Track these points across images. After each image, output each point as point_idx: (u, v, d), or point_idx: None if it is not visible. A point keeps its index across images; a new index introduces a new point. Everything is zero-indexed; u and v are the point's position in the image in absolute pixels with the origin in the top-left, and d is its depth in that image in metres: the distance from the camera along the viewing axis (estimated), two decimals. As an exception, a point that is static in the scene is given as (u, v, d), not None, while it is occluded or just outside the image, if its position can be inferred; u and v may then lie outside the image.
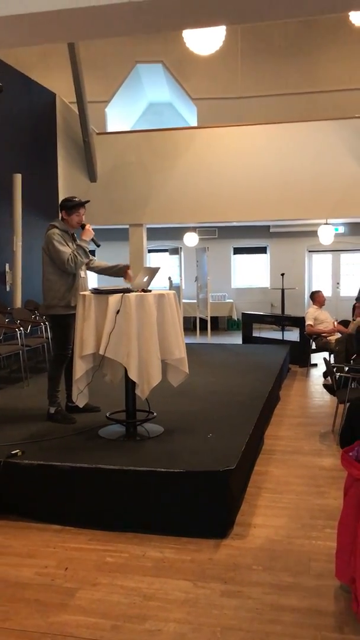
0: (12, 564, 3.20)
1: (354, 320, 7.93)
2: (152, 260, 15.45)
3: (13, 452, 3.90)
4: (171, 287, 11.85)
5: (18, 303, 9.14)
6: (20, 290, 9.21)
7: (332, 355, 8.15)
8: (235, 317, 14.55)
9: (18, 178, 9.24)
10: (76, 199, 4.88)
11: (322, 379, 8.07)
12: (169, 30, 3.76)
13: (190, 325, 13.39)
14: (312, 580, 3.00)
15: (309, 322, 8.53)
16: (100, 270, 5.07)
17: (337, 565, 2.88)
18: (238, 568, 3.13)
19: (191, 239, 13.16)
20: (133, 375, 4.05)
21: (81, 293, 4.38)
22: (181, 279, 11.32)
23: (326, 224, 12.19)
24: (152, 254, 15.50)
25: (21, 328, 7.08)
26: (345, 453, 2.82)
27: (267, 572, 3.08)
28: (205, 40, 7.92)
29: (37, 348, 7.64)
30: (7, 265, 9.27)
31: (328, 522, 3.59)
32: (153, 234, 13.78)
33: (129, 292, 4.13)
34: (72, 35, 4.25)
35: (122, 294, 4.07)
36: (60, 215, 4.85)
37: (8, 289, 9.29)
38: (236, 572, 3.09)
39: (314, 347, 8.71)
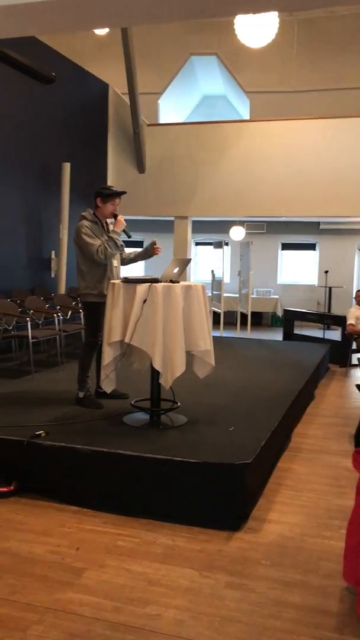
0: (27, 540, 3.30)
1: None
2: (198, 253, 15.46)
3: (37, 432, 4.01)
4: (214, 280, 11.83)
5: (62, 289, 9.34)
6: (65, 277, 9.41)
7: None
8: (279, 314, 14.41)
9: (67, 167, 9.42)
10: (113, 188, 4.93)
11: (360, 380, 7.92)
12: (219, 16, 3.70)
13: (232, 319, 13.36)
14: (319, 579, 2.97)
15: (350, 321, 8.37)
16: (133, 259, 5.12)
17: (345, 566, 2.84)
18: (246, 561, 3.13)
19: (238, 233, 13.09)
20: (157, 364, 4.09)
21: (111, 281, 4.43)
22: (223, 273, 11.28)
23: (377, 222, 11.90)
24: (199, 247, 15.51)
25: (60, 314, 7.22)
26: (357, 453, 2.77)
27: (275, 567, 3.07)
28: (257, 33, 7.85)
29: (75, 334, 7.78)
30: (52, 253, 9.48)
31: (344, 523, 3.50)
32: (200, 226, 13.79)
33: (157, 282, 4.16)
34: (123, 19, 4.20)
35: (149, 283, 4.11)
36: (94, 202, 4.89)
37: (53, 275, 9.50)
38: (244, 565, 3.09)
39: (355, 347, 8.54)
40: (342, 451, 4.99)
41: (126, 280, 4.29)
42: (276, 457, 4.62)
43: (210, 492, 3.57)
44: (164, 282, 4.21)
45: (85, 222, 4.75)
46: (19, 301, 7.40)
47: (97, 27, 4.21)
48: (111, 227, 4.88)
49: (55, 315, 7.17)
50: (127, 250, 5.15)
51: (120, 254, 4.97)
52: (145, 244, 14.82)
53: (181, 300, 4.14)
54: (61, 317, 7.24)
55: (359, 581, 2.66)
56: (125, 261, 5.13)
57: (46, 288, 9.14)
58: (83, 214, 4.85)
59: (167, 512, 3.60)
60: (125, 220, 4.88)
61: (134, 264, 5.36)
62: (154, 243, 4.94)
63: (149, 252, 4.99)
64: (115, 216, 4.86)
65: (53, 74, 8.77)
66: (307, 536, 3.43)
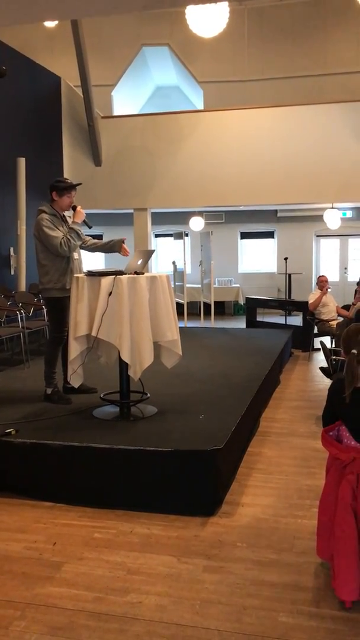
0: (2, 539, 3.28)
1: (354, 304, 7.92)
2: (158, 244, 15.46)
3: (7, 430, 3.98)
4: (175, 271, 11.86)
5: (22, 286, 9.21)
6: (25, 274, 9.28)
7: (333, 340, 8.16)
8: (241, 302, 14.54)
9: (22, 162, 9.27)
10: (68, 181, 4.89)
11: (323, 363, 8.08)
12: (171, 7, 3.68)
13: (195, 309, 13.42)
14: (295, 557, 3.05)
15: (311, 301, 8.52)
16: (95, 248, 5.05)
17: (318, 543, 2.92)
18: (223, 545, 3.18)
19: (197, 224, 13.14)
20: (125, 357, 4.10)
21: (75, 275, 4.41)
22: (185, 264, 11.32)
23: (332, 208, 12.12)
24: (159, 238, 15.51)
25: (22, 311, 7.14)
26: (326, 433, 2.85)
27: (250, 549, 3.14)
28: (208, 22, 7.86)
29: (38, 331, 7.71)
30: (11, 249, 9.34)
31: (315, 502, 3.60)
32: (159, 218, 13.78)
33: (121, 275, 4.17)
34: (73, 11, 4.15)
35: (114, 276, 4.11)
36: (50, 196, 4.84)
37: (12, 272, 9.36)
38: (220, 549, 3.15)
39: (316, 331, 8.71)
40: (309, 433, 5.11)
41: (90, 274, 4.28)
42: (246, 441, 4.70)
43: (184, 479, 3.62)
44: (129, 274, 4.22)
45: (45, 215, 4.70)
46: (-21, 300, 7.27)
47: (47, 20, 4.15)
48: (70, 219, 4.84)
49: (17, 312, 7.09)
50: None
51: (83, 242, 4.92)
52: (104, 238, 14.71)
53: (146, 291, 4.16)
54: (24, 314, 7.15)
55: (333, 556, 2.74)
56: (86, 247, 5.03)
57: (6, 285, 9.00)
58: (41, 207, 4.78)
59: (142, 501, 3.63)
60: (83, 211, 4.84)
61: (94, 254, 5.30)
62: (122, 241, 4.91)
63: (114, 248, 4.95)
64: (74, 207, 4.82)
65: (3, 67, 8.60)
66: (280, 517, 3.51)
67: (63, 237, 4.62)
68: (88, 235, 5.00)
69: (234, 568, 2.95)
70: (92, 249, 5.05)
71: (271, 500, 3.75)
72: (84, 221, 4.81)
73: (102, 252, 5.13)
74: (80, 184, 5.00)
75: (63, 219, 4.84)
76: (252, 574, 2.89)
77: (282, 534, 3.30)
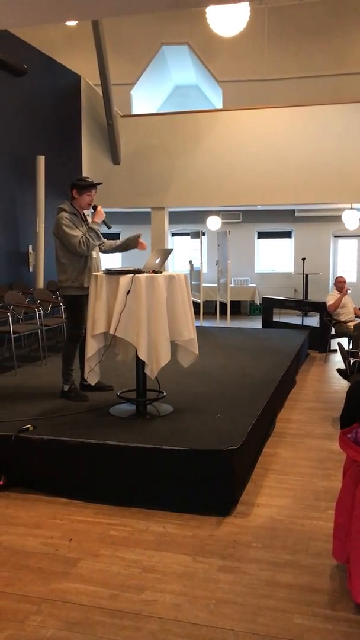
0: (19, 534, 3.31)
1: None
2: (175, 244, 15.47)
3: (25, 427, 4.01)
4: (192, 270, 11.86)
5: (40, 284, 9.27)
6: (43, 271, 9.34)
7: (351, 341, 8.11)
8: (257, 302, 14.51)
9: (41, 160, 9.33)
10: (89, 179, 4.91)
11: (340, 365, 8.04)
12: (192, 7, 3.67)
13: (211, 309, 13.42)
14: (310, 559, 3.04)
15: (329, 303, 8.47)
16: (113, 249, 5.08)
17: (334, 545, 2.91)
18: (238, 545, 3.19)
19: (214, 223, 13.13)
20: (142, 355, 4.11)
21: (94, 274, 4.43)
22: (201, 263, 11.32)
23: (351, 208, 12.04)
24: (176, 237, 15.52)
25: (40, 308, 7.19)
26: (344, 435, 2.84)
27: (265, 549, 3.14)
28: (228, 21, 7.84)
29: (56, 328, 7.76)
30: (30, 247, 9.40)
31: (331, 504, 3.60)
32: (177, 217, 13.80)
33: (140, 273, 4.18)
34: (98, 11, 4.17)
35: (132, 274, 4.12)
36: (70, 194, 4.87)
37: (31, 269, 9.43)
38: (235, 548, 3.15)
39: (333, 332, 8.67)
40: (326, 434, 5.09)
41: (109, 272, 4.30)
42: (262, 442, 4.69)
43: (199, 478, 3.62)
44: (147, 272, 4.23)
45: (65, 214, 4.73)
46: (-2, 296, 7.33)
47: (71, 20, 4.18)
48: (89, 219, 4.87)
49: (36, 309, 7.14)
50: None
51: (101, 244, 4.96)
52: (121, 237, 14.75)
53: (164, 290, 4.17)
54: (42, 312, 7.20)
55: (349, 558, 2.73)
56: (104, 249, 5.07)
57: (25, 282, 9.07)
58: (61, 205, 4.81)
59: (158, 500, 3.64)
60: (103, 211, 4.87)
61: (112, 254, 5.34)
62: (138, 236, 4.92)
63: (130, 245, 4.97)
64: (94, 207, 4.85)
65: (25, 66, 8.66)
66: (295, 518, 3.50)
67: (82, 237, 4.64)
68: (104, 237, 5.02)
69: (249, 568, 2.95)
70: (111, 250, 5.08)
71: (287, 501, 3.74)
72: (104, 221, 4.84)
73: (119, 252, 5.15)
74: (100, 183, 5.03)
75: (83, 218, 4.86)
76: (267, 575, 2.89)
77: (298, 535, 3.29)
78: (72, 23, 11.62)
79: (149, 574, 2.90)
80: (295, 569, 2.94)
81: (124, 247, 5.04)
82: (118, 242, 5.11)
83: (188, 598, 2.69)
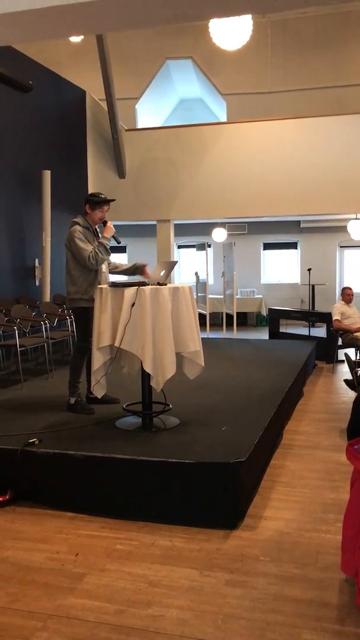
0: (25, 549, 3.29)
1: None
2: (181, 256, 15.50)
3: (30, 440, 4.00)
4: (198, 282, 11.87)
5: (47, 297, 9.31)
6: (49, 285, 9.38)
7: (358, 352, 8.07)
8: (264, 313, 14.49)
9: (47, 174, 9.40)
10: (102, 196, 4.96)
11: (347, 375, 7.99)
12: (191, 20, 3.69)
13: (217, 320, 13.41)
14: (318, 572, 3.00)
15: (335, 317, 8.45)
16: (120, 272, 5.17)
17: (343, 558, 2.88)
18: (245, 559, 3.15)
19: (220, 235, 13.15)
20: (148, 367, 4.10)
21: (99, 286, 4.45)
22: (207, 275, 11.33)
23: (356, 218, 12.03)
24: (181, 249, 15.55)
25: (47, 321, 7.21)
26: (350, 446, 2.82)
27: (273, 563, 3.10)
28: (232, 35, 7.91)
29: (62, 341, 7.77)
30: (36, 260, 9.45)
31: (339, 517, 3.56)
32: (182, 229, 13.84)
33: (144, 286, 4.18)
34: (100, 26, 4.21)
35: (137, 287, 4.13)
36: (84, 209, 4.93)
37: (37, 283, 9.47)
38: (243, 562, 3.11)
39: (340, 343, 8.63)
40: (333, 446, 5.05)
41: (114, 285, 4.31)
42: (269, 454, 4.66)
43: (206, 491, 3.60)
44: (151, 285, 4.23)
45: (78, 227, 4.79)
46: (4, 310, 7.36)
47: (75, 35, 4.22)
48: (101, 234, 4.93)
49: (42, 323, 7.15)
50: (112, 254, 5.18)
51: (108, 263, 5.02)
52: (128, 250, 14.84)
53: (169, 302, 4.17)
54: (48, 325, 7.22)
55: (357, 572, 2.70)
56: (111, 268, 5.17)
57: (31, 296, 9.11)
58: (75, 219, 4.89)
59: (164, 513, 3.61)
60: (113, 226, 4.93)
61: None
62: (144, 265, 4.98)
63: (137, 272, 5.04)
64: (104, 222, 4.90)
65: (30, 82, 8.76)
66: (303, 531, 3.46)
67: (92, 251, 4.70)
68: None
69: (257, 582, 2.91)
70: (117, 272, 5.17)
71: (294, 514, 3.70)
72: (113, 236, 4.88)
73: (126, 275, 5.21)
74: (113, 199, 5.09)
75: (95, 233, 4.92)
76: (275, 589, 2.85)
77: (306, 549, 3.25)
78: (76, 39, 11.75)
79: (155, 589, 2.87)
80: (304, 583, 2.91)
81: (131, 272, 5.12)
82: (125, 265, 5.17)
83: (195, 613, 2.66)
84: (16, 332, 6.43)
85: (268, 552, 3.22)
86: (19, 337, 6.42)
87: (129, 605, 2.73)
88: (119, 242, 5.04)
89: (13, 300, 8.39)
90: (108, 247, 4.83)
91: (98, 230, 5.00)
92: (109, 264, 5.05)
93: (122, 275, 5.29)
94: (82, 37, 10.84)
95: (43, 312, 7.78)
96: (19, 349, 6.31)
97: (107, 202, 4.94)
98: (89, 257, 4.68)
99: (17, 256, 9.02)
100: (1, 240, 8.62)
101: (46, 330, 7.12)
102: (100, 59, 10.05)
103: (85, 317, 4.87)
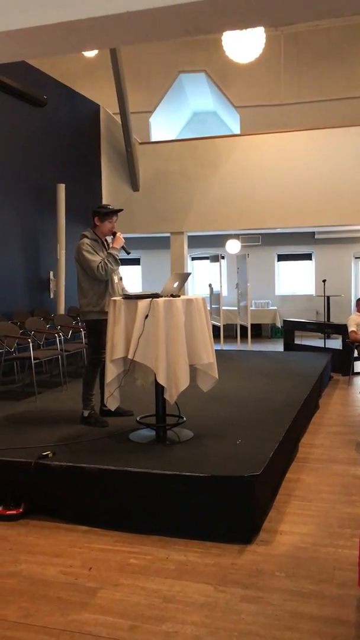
0: (39, 563, 3.27)
1: None
2: (195, 267, 15.51)
3: (44, 453, 3.99)
4: (212, 294, 11.86)
5: (61, 310, 9.35)
6: (64, 297, 9.43)
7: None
8: (279, 325, 14.42)
9: (62, 188, 9.48)
10: (110, 206, 4.99)
11: (363, 387, 7.91)
12: (204, 33, 3.71)
13: (231, 332, 13.36)
14: (335, 589, 2.94)
15: (351, 328, 8.38)
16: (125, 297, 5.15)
17: (360, 574, 2.82)
18: (260, 574, 3.10)
19: (233, 246, 13.14)
20: (161, 380, 4.08)
21: (112, 298, 4.45)
22: (221, 286, 11.32)
23: (371, 229, 11.98)
24: (195, 261, 15.56)
25: (61, 334, 7.23)
26: (367, 459, 2.77)
27: (289, 579, 3.05)
28: (245, 48, 7.95)
29: (76, 353, 7.78)
30: (51, 273, 9.51)
31: (356, 531, 3.52)
32: (196, 241, 13.85)
33: (158, 297, 4.18)
34: (114, 39, 4.23)
35: (150, 299, 4.12)
36: (92, 221, 4.96)
37: (52, 296, 9.52)
38: (258, 577, 3.07)
39: (356, 355, 8.55)
40: (350, 459, 4.98)
41: (127, 297, 4.31)
42: (284, 468, 4.61)
43: (221, 505, 3.56)
44: (165, 296, 4.23)
45: (86, 240, 4.83)
46: (19, 323, 7.40)
47: (89, 49, 4.27)
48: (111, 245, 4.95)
49: (56, 335, 7.18)
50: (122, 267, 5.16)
51: (120, 278, 5.02)
52: (141, 261, 14.90)
53: (182, 314, 4.15)
54: (62, 337, 7.24)
55: (376, 589, 2.64)
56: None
57: (46, 309, 9.15)
58: (84, 232, 4.94)
59: (178, 527, 3.58)
60: (123, 237, 4.94)
61: (130, 278, 5.41)
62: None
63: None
64: (114, 234, 4.92)
65: (44, 96, 8.87)
66: (319, 546, 3.41)
67: (101, 262, 4.71)
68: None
69: (272, 598, 2.86)
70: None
71: (310, 528, 3.64)
72: (123, 247, 4.90)
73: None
74: (121, 209, 5.10)
75: (104, 245, 4.94)
76: (291, 605, 2.80)
77: (322, 564, 3.19)
78: (90, 53, 11.88)
79: (169, 604, 2.83)
80: (320, 599, 2.85)
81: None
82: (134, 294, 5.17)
83: (210, 630, 2.62)
84: (30, 344, 6.45)
85: (284, 567, 3.17)
86: (33, 350, 6.44)
87: (142, 621, 2.70)
88: (128, 253, 5.05)
89: (28, 312, 8.44)
90: (117, 258, 4.85)
91: (108, 241, 5.02)
92: (120, 278, 5.04)
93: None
94: (96, 51, 10.96)
95: (57, 325, 7.81)
96: (33, 362, 6.33)
97: (115, 212, 4.97)
98: (98, 267, 4.70)
99: (32, 269, 9.09)
100: (16, 253, 8.69)
101: (60, 343, 7.14)
102: (114, 73, 10.16)
103: (96, 329, 4.87)
